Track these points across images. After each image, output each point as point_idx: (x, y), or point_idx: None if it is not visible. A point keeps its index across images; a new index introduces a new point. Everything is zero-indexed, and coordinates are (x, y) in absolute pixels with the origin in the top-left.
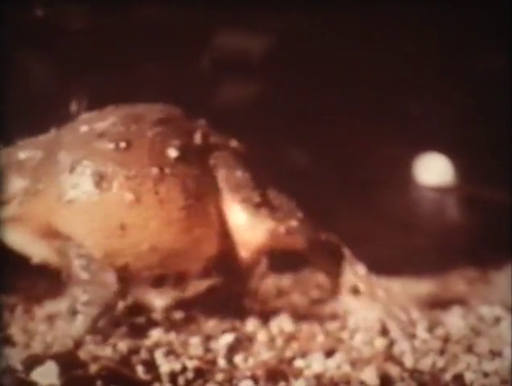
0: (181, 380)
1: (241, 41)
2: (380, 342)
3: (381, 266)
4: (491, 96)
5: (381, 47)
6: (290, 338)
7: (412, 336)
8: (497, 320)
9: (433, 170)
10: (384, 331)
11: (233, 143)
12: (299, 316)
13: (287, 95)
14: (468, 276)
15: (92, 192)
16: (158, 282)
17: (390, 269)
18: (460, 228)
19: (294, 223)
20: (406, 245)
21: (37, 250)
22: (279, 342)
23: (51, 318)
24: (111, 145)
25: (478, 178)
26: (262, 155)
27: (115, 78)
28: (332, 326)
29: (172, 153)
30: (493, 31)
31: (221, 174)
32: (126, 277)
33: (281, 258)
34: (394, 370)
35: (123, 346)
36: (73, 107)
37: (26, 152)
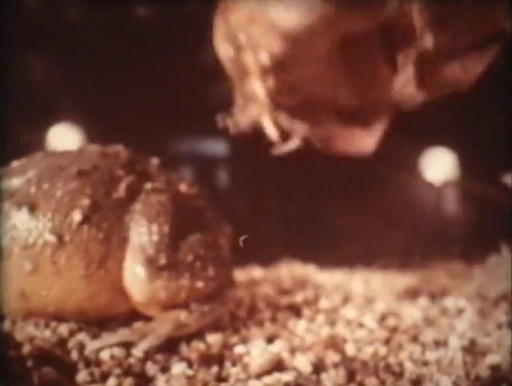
0: (114, 362)
1: None
2: (325, 331)
3: (367, 259)
4: (493, 92)
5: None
6: (240, 324)
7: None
8: (460, 312)
9: (431, 166)
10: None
11: (182, 187)
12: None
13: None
14: (453, 270)
15: None
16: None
17: (375, 262)
18: (451, 222)
19: (200, 284)
20: (394, 239)
21: None
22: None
23: None
24: (14, 210)
25: (474, 174)
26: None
27: (112, 75)
28: (282, 315)
29: (77, 216)
30: None
31: (132, 232)
32: None
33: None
34: (333, 358)
35: (64, 329)
36: None
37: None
